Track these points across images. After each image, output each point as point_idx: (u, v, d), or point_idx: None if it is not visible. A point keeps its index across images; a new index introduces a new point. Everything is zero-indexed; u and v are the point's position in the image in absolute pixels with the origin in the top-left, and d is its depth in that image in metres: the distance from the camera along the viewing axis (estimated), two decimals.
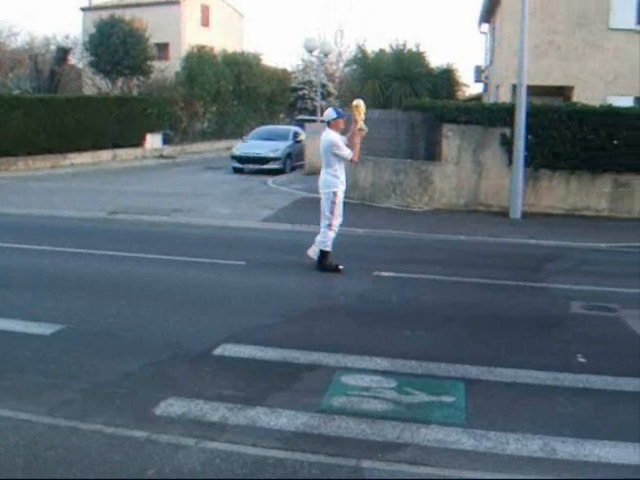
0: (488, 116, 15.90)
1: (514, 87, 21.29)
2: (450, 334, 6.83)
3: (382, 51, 29.39)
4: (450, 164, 16.01)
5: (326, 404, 4.95)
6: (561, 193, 15.75)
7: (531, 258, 11.23)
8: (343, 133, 9.75)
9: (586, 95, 18.97)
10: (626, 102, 18.85)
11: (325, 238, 9.53)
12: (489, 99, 26.57)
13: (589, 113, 15.48)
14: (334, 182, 9.49)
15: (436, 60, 30.66)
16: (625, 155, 15.34)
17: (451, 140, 15.94)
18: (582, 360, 6.13)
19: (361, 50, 29.75)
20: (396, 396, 5.11)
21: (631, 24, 21.22)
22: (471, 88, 35.47)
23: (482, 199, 15.98)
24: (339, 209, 9.58)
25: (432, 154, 16.39)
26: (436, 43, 77.84)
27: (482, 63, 31.68)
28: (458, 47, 78.87)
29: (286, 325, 6.95)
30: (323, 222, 9.60)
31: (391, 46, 29.35)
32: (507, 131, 15.52)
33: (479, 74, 31.19)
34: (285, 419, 4.68)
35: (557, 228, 13.99)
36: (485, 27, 30.17)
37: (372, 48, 30.22)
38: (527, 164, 15.28)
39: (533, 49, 21.39)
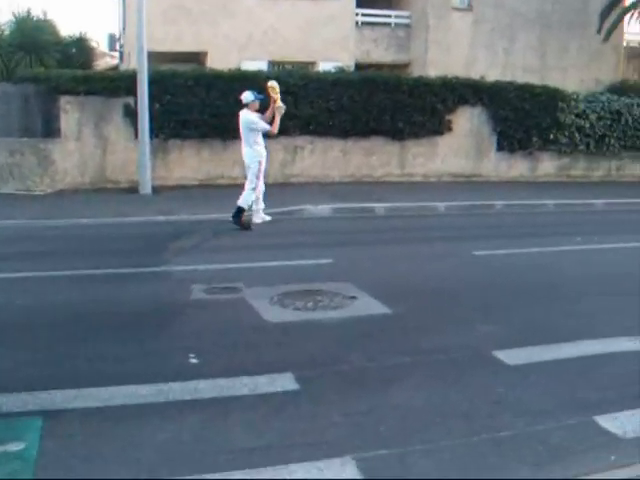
0: (110, 85, 14.59)
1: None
2: (41, 349, 5.48)
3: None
4: (71, 140, 14.49)
5: None
6: (193, 163, 15.03)
7: (158, 237, 10.23)
8: (260, 112, 11.17)
9: (220, 60, 18.42)
10: (260, 66, 18.77)
11: (250, 197, 11.06)
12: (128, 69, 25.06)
13: (216, 78, 14.90)
14: (259, 152, 11.09)
15: (71, 29, 28.31)
16: None
17: (70, 114, 14.41)
18: (194, 361, 5.20)
19: None
20: None
21: None
22: (116, 58, 33.54)
23: (110, 176, 14.71)
24: (262, 175, 11.22)
25: (51, 130, 14.66)
26: (69, 10, 72.93)
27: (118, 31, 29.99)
28: (96, 14, 74.90)
29: None
30: (249, 185, 11.08)
31: (13, 14, 26.51)
32: (131, 101, 14.35)
33: (113, 42, 29.52)
34: None
35: (190, 201, 13.23)
36: None
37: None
38: (155, 135, 14.28)
39: (162, 13, 20.43)
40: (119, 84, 14.55)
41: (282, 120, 14.23)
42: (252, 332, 5.94)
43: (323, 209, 12.59)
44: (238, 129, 14.74)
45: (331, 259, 8.68)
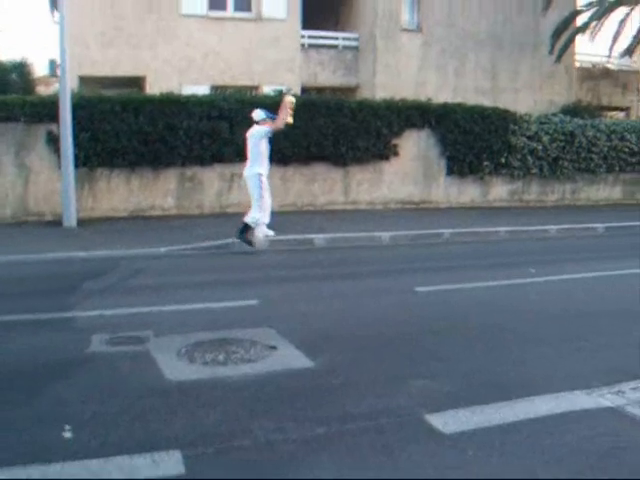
0: (31, 111, 13.57)
1: (81, 79, 19.26)
2: None
3: None
4: None
5: None
6: (122, 193, 14.06)
7: (71, 276, 9.22)
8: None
9: (160, 85, 17.55)
10: (202, 90, 17.95)
11: (256, 213, 11.21)
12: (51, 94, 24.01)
13: (146, 102, 14.05)
14: (260, 165, 11.22)
15: (13, 54, 27.25)
16: (189, 147, 14.12)
17: None
18: (68, 435, 4.24)
19: None
20: None
21: (202, 10, 20.44)
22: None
23: (32, 208, 13.67)
24: (267, 192, 11.31)
25: None
26: (11, 35, 70.84)
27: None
28: (39, 40, 73.08)
29: None
30: (255, 202, 11.22)
31: None
32: (55, 128, 13.35)
33: (54, 68, 28.45)
34: None
35: (116, 234, 12.26)
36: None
37: None
38: (82, 164, 13.31)
39: (99, 36, 19.56)
40: (41, 110, 13.55)
41: (218, 146, 13.48)
42: (146, 395, 4.99)
43: (257, 242, 11.69)
44: (170, 156, 14.02)
45: (256, 300, 7.78)
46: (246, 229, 11.26)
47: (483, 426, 4.41)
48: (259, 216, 11.23)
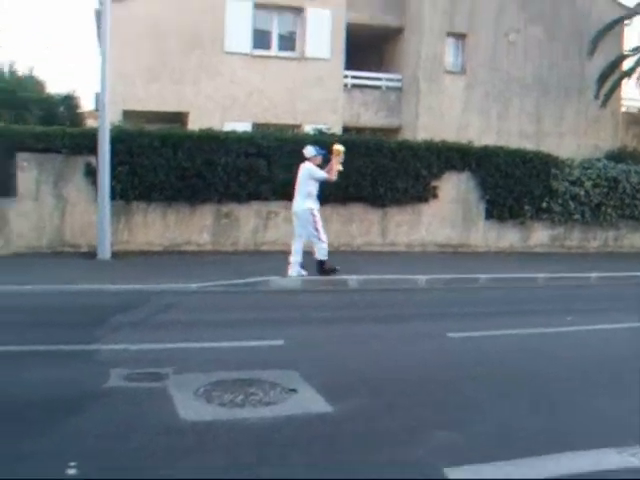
0: (71, 143, 13.70)
1: (125, 113, 19.51)
2: None
3: None
4: (28, 200, 13.55)
5: None
6: (158, 228, 14.06)
7: (101, 309, 9.14)
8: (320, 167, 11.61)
9: (202, 121, 17.60)
10: (244, 127, 17.96)
11: (322, 247, 11.51)
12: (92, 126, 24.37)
13: (185, 138, 14.08)
14: (312, 202, 11.47)
15: (60, 86, 27.92)
16: (226, 183, 14.11)
17: (27, 172, 13.50)
18: (72, 472, 4.10)
19: None
20: None
21: (246, 48, 20.63)
22: None
23: (68, 239, 13.73)
24: (320, 224, 11.46)
25: (8, 188, 13.71)
26: (60, 68, 71.90)
27: None
28: (88, 74, 74.25)
29: None
30: (314, 238, 11.51)
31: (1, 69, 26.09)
32: (93, 160, 13.45)
33: (98, 102, 28.92)
34: None
35: (151, 268, 12.23)
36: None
37: None
38: (119, 196, 13.37)
39: (144, 72, 19.83)
40: (81, 141, 13.68)
41: (255, 184, 13.51)
42: (157, 435, 4.84)
43: (291, 281, 11.54)
44: (207, 192, 14.01)
45: (283, 340, 7.61)
46: (322, 265, 11.60)
47: None
48: (324, 245, 11.52)
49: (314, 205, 11.51)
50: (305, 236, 11.62)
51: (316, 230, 11.44)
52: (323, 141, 14.37)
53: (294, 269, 11.56)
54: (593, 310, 10.53)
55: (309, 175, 11.45)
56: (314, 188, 11.52)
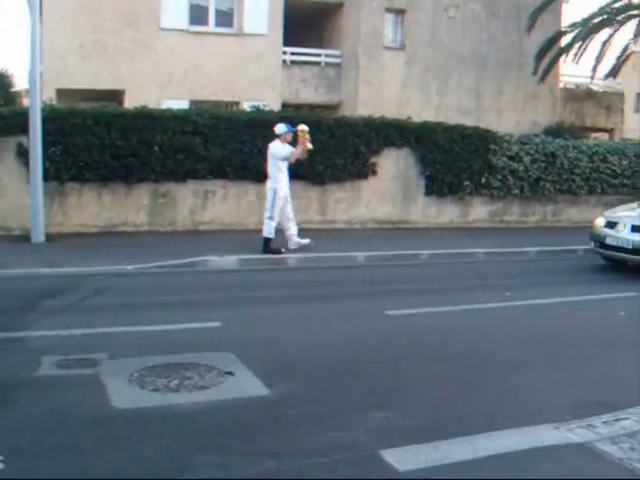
0: (2, 123, 13.19)
1: (59, 92, 18.98)
2: None
3: None
4: None
5: None
6: (93, 209, 13.69)
7: (32, 294, 8.84)
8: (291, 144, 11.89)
9: (139, 99, 17.08)
10: (181, 105, 17.66)
11: (270, 226, 11.71)
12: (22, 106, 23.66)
13: (118, 116, 13.65)
14: (276, 180, 11.67)
15: None
16: (162, 162, 13.82)
17: None
18: None
19: None
20: None
21: (183, 24, 20.23)
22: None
23: (1, 222, 13.28)
24: (279, 204, 11.70)
25: None
26: None
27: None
28: (19, 50, 72.23)
29: None
30: (266, 214, 11.77)
31: None
32: (25, 140, 13.02)
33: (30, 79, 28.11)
34: None
35: (85, 250, 11.87)
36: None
37: None
38: (52, 177, 13.00)
39: (77, 49, 19.29)
40: (11, 121, 13.17)
41: (192, 162, 13.37)
42: (87, 426, 4.70)
43: (229, 260, 11.38)
44: (143, 171, 13.70)
45: (220, 322, 7.49)
46: (267, 243, 11.75)
47: (441, 463, 4.15)
48: (273, 224, 11.74)
49: (277, 185, 11.72)
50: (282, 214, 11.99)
51: (272, 207, 11.69)
52: (265, 119, 14.22)
53: (292, 241, 12.13)
54: (532, 284, 10.65)
55: (272, 154, 11.76)
56: (283, 166, 11.80)
